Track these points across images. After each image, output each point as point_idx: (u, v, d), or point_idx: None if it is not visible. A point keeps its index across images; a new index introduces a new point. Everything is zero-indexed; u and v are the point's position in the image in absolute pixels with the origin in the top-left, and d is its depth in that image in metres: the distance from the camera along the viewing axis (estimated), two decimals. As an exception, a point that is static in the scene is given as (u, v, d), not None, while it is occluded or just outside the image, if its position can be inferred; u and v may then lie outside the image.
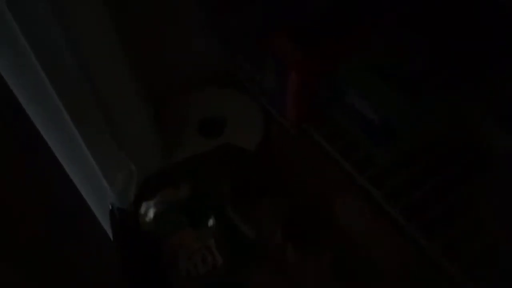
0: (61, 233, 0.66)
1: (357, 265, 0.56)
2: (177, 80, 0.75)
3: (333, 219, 0.59)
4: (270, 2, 0.61)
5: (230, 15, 0.66)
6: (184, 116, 0.74)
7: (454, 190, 0.54)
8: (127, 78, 0.58)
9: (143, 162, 0.66)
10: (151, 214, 0.65)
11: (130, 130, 0.65)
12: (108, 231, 0.64)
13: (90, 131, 0.65)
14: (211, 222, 0.62)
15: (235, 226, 0.63)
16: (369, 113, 0.53)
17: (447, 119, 0.53)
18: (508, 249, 0.50)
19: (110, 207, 0.63)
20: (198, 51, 0.72)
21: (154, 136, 0.67)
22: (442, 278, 0.50)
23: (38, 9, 0.48)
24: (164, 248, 0.61)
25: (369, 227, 0.56)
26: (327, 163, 0.59)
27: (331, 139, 0.58)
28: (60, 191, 0.68)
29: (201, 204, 0.65)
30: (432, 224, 0.52)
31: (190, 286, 0.57)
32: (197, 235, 0.62)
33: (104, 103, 0.60)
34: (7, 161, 0.68)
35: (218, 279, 0.57)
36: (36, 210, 0.67)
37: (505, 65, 0.50)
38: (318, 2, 0.57)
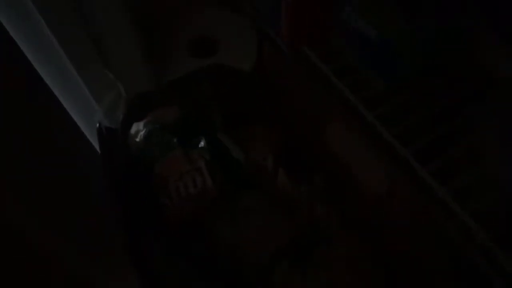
0: (49, 152, 0.65)
1: (348, 191, 0.56)
2: (170, 1, 0.71)
3: (326, 144, 0.58)
4: None
5: None
6: (175, 37, 0.71)
7: (452, 117, 0.52)
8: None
9: (132, 82, 0.64)
10: (141, 134, 0.64)
11: (118, 50, 0.62)
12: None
13: (77, 51, 0.62)
14: (201, 143, 0.61)
15: (226, 149, 0.62)
16: (367, 31, 0.50)
17: (446, 38, 0.51)
18: (503, 178, 0.50)
19: (98, 125, 0.61)
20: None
21: (143, 56, 0.64)
22: (433, 202, 0.50)
23: None
24: (154, 169, 0.60)
25: (362, 153, 0.55)
26: (321, 87, 0.57)
27: (327, 60, 0.55)
28: (47, 110, 0.66)
29: (191, 126, 0.64)
30: (427, 149, 0.51)
31: (180, 207, 0.57)
32: (188, 156, 0.61)
33: (91, 23, 0.57)
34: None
35: (208, 201, 0.57)
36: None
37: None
38: None
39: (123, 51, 0.63)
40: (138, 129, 0.64)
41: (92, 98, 0.65)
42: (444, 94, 0.52)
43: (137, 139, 0.64)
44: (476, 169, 0.49)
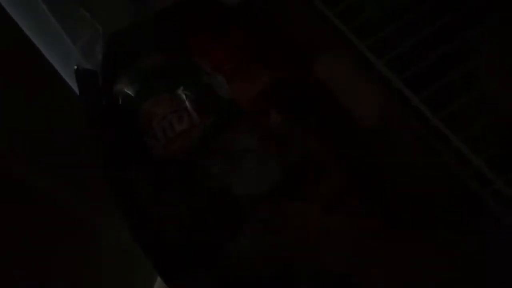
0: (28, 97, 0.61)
1: (341, 124, 0.55)
2: None
3: (316, 78, 0.56)
4: None
5: None
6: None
7: (446, 42, 0.51)
8: None
9: (109, 19, 0.60)
10: (124, 80, 0.61)
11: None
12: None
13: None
14: (185, 85, 0.59)
15: (212, 90, 0.59)
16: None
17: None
18: (497, 102, 0.49)
19: (76, 67, 0.58)
20: None
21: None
22: (426, 129, 0.49)
23: None
24: (139, 112, 0.58)
25: (354, 84, 0.54)
26: (312, 18, 0.55)
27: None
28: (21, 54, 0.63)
29: (175, 68, 0.61)
30: (419, 77, 0.51)
31: (167, 146, 0.55)
32: (173, 98, 0.58)
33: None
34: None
35: (196, 139, 0.55)
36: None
37: None
38: None
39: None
40: (121, 74, 0.61)
41: (69, 39, 0.62)
42: (440, 17, 0.51)
43: (121, 85, 0.61)
44: (471, 94, 0.48)
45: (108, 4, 0.61)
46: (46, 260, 0.62)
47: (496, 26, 0.50)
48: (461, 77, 0.49)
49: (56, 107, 0.65)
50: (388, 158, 0.50)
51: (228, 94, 0.60)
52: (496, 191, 0.46)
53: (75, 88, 0.61)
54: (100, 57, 0.60)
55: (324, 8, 0.53)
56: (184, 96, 0.59)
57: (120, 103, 0.59)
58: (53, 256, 0.63)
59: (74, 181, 0.65)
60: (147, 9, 0.63)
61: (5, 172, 0.55)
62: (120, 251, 0.73)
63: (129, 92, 0.59)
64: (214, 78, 0.61)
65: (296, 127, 0.57)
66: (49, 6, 0.62)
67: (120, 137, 0.56)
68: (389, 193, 0.50)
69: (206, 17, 0.60)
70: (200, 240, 0.50)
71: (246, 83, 0.61)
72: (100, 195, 0.54)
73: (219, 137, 0.57)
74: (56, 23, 0.61)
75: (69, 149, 0.63)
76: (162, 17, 0.61)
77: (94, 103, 0.58)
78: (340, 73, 0.54)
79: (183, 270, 0.48)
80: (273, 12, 0.59)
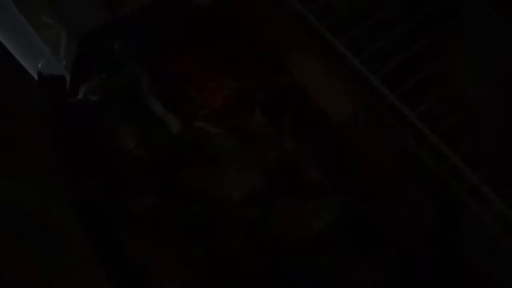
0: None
1: (315, 123, 0.54)
2: None
3: (290, 77, 0.56)
4: None
5: None
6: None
7: (421, 37, 0.51)
8: None
9: (78, 22, 0.58)
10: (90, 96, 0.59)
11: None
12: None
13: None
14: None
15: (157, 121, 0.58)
16: None
17: None
18: (472, 97, 0.49)
19: (38, 73, 0.56)
20: None
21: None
22: (402, 127, 0.49)
23: None
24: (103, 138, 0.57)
25: (327, 82, 0.53)
26: (283, 16, 0.54)
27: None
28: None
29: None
30: (395, 74, 0.50)
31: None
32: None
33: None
34: None
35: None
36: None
37: None
38: None
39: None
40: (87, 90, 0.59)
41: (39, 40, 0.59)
42: (414, 14, 0.51)
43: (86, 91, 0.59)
44: (444, 91, 0.48)
45: (76, 8, 0.59)
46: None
47: (467, 23, 0.50)
48: (435, 74, 0.49)
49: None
50: (361, 155, 0.50)
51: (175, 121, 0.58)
52: (473, 188, 0.45)
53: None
54: (65, 62, 0.58)
55: (298, 4, 0.52)
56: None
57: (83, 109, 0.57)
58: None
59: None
60: (118, 12, 0.61)
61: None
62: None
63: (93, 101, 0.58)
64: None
65: (272, 128, 0.56)
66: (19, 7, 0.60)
67: (80, 146, 0.54)
68: (362, 192, 0.50)
69: (176, 21, 0.59)
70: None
71: (215, 89, 0.59)
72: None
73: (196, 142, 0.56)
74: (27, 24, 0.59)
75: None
76: (133, 20, 0.59)
77: (57, 109, 0.56)
78: (313, 72, 0.54)
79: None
80: (243, 11, 0.58)
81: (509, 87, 0.47)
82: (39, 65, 0.58)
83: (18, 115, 0.62)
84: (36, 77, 0.63)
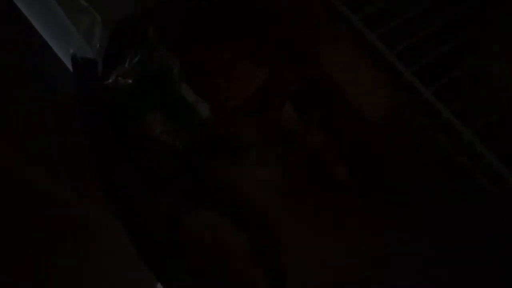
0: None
1: (347, 118, 0.54)
2: None
3: (322, 71, 0.55)
4: None
5: None
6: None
7: (456, 33, 0.49)
8: None
9: (108, 7, 0.59)
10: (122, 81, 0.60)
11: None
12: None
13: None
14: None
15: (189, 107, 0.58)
16: None
17: None
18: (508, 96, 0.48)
19: (71, 56, 0.57)
20: None
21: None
22: (435, 125, 0.48)
23: None
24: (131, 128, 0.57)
25: (361, 76, 0.52)
26: (316, 7, 0.53)
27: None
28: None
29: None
30: (431, 69, 0.49)
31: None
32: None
33: None
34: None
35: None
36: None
37: None
38: None
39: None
40: (118, 75, 0.60)
41: (70, 23, 0.60)
42: (449, 9, 0.49)
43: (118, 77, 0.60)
44: (479, 89, 0.47)
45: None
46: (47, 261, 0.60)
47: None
48: (471, 70, 0.48)
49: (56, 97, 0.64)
50: (394, 153, 0.49)
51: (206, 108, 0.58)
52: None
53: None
54: (98, 47, 0.58)
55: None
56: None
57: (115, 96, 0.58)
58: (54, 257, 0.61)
59: (72, 177, 0.64)
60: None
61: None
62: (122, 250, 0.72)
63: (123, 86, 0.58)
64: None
65: (301, 122, 0.56)
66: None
67: (114, 133, 0.55)
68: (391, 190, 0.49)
69: (207, 9, 0.59)
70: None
71: (245, 79, 0.59)
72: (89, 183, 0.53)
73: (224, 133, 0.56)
74: (59, 9, 0.59)
75: (67, 142, 0.62)
76: (165, 8, 0.59)
77: (90, 94, 0.57)
78: (347, 65, 0.53)
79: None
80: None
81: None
82: (71, 49, 0.59)
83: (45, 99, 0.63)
84: (66, 59, 0.64)
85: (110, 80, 0.60)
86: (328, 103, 0.56)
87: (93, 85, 0.58)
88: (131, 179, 0.52)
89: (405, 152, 0.50)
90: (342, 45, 0.54)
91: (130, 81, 0.61)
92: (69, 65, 0.59)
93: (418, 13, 0.51)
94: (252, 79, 0.59)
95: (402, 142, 0.50)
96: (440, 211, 0.46)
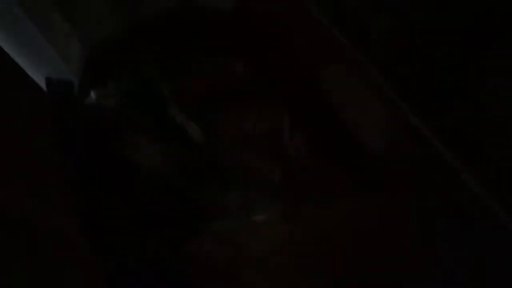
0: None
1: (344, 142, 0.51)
2: None
3: (321, 92, 0.52)
4: None
5: None
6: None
7: (459, 65, 0.47)
8: None
9: (93, 26, 0.55)
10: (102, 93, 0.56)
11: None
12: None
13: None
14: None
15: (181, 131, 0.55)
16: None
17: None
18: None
19: (46, 77, 0.53)
20: None
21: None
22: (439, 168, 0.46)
23: None
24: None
25: (363, 106, 0.50)
26: (317, 32, 0.51)
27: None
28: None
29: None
30: (429, 102, 0.47)
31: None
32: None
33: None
34: None
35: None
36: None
37: None
38: None
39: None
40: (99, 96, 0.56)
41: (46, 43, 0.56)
42: (452, 38, 0.47)
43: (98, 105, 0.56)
44: (486, 127, 0.45)
45: (91, 11, 0.55)
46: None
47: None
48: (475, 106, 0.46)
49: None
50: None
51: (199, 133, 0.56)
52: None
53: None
54: (78, 66, 0.55)
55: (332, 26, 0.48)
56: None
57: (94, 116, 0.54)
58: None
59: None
60: (134, 15, 0.57)
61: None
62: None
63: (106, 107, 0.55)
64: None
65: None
66: (28, 13, 0.56)
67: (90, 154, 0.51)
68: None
69: (196, 27, 0.55)
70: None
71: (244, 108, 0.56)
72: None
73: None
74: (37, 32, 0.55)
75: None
76: (151, 25, 0.56)
77: (67, 116, 0.53)
78: (348, 87, 0.50)
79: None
80: (271, 20, 0.54)
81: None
82: (46, 71, 0.54)
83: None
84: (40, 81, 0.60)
85: (91, 101, 0.56)
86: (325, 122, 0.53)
87: (70, 107, 0.54)
88: (112, 209, 0.49)
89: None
90: (344, 66, 0.51)
91: (113, 101, 0.58)
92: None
93: (420, 42, 0.48)
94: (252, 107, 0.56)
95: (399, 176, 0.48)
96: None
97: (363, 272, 0.42)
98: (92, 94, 0.57)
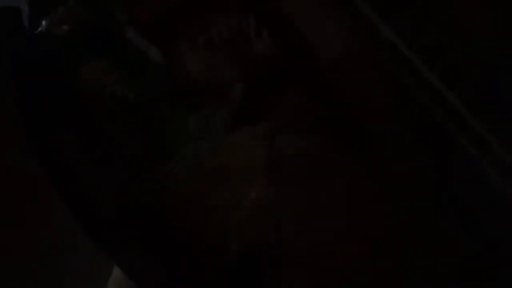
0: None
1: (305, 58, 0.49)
2: None
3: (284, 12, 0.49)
4: None
5: None
6: None
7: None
8: None
9: None
10: (56, 31, 0.54)
11: None
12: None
13: None
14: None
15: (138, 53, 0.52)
16: None
17: None
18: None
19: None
20: None
21: None
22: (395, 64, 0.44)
23: None
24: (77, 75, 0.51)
25: (320, 18, 0.47)
26: None
27: None
28: None
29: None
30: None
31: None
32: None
33: None
34: None
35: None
36: None
37: None
38: None
39: None
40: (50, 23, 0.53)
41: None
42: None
43: (52, 36, 0.54)
44: (444, 23, 0.42)
45: None
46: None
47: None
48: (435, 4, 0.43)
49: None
50: (351, 96, 0.45)
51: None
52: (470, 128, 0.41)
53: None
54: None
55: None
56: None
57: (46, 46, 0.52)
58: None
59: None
60: None
61: None
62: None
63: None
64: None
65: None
66: None
67: (47, 91, 0.50)
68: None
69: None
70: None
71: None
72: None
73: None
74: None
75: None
76: None
77: (18, 46, 0.51)
78: (306, 7, 0.47)
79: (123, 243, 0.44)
80: None
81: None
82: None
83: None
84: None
85: (41, 29, 0.54)
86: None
87: (20, 37, 0.52)
88: (72, 144, 0.48)
89: (364, 94, 0.46)
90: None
91: (65, 28, 0.56)
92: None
93: None
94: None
95: (361, 84, 0.46)
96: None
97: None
98: (43, 23, 0.54)
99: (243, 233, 0.45)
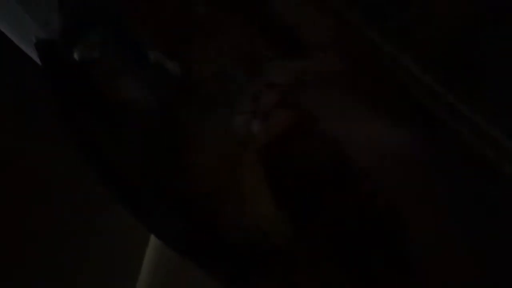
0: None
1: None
2: None
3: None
4: None
5: None
6: None
7: None
8: None
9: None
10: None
11: None
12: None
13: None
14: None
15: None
16: None
17: None
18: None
19: (34, 39, 0.59)
20: None
21: None
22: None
23: None
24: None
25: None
26: None
27: None
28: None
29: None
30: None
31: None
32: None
33: None
34: None
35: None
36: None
37: None
38: None
39: None
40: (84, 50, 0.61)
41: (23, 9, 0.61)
42: None
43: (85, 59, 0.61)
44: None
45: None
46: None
47: None
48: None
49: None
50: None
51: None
52: (449, 105, 0.43)
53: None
54: (57, 25, 0.60)
55: None
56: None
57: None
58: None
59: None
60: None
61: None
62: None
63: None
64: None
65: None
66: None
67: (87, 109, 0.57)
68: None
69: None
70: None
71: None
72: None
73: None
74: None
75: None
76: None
77: (61, 74, 0.59)
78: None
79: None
80: None
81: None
82: (33, 37, 0.60)
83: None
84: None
85: (75, 57, 0.62)
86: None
87: (62, 66, 0.60)
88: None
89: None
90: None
91: (98, 52, 0.63)
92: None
93: None
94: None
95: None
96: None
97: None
98: (77, 50, 0.62)
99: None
